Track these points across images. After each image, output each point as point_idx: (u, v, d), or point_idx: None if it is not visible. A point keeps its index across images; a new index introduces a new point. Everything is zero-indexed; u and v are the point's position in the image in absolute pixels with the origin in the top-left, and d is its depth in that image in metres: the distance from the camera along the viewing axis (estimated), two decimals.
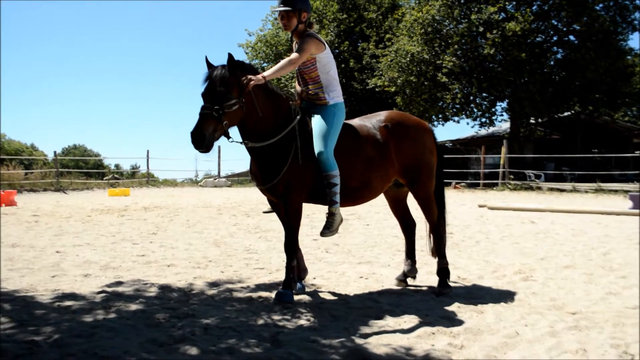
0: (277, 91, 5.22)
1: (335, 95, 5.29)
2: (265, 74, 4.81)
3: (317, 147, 4.99)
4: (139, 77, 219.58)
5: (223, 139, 4.81)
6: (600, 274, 6.25)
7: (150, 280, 5.92)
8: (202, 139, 4.54)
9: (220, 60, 4.78)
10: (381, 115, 5.59)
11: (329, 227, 5.14)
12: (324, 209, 5.17)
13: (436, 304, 5.00)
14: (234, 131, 4.96)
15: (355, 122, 5.53)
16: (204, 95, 4.71)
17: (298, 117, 5.14)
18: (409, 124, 5.58)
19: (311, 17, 5.33)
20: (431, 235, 5.83)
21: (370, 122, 5.50)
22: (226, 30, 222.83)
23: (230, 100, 4.66)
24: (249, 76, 4.69)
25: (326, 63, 5.24)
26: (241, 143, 5.02)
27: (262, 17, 50.92)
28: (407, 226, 5.94)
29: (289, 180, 4.98)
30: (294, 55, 5.03)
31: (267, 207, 5.68)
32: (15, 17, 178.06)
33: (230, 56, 4.73)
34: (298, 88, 5.55)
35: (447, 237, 5.96)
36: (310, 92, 5.33)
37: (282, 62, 4.98)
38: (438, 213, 5.74)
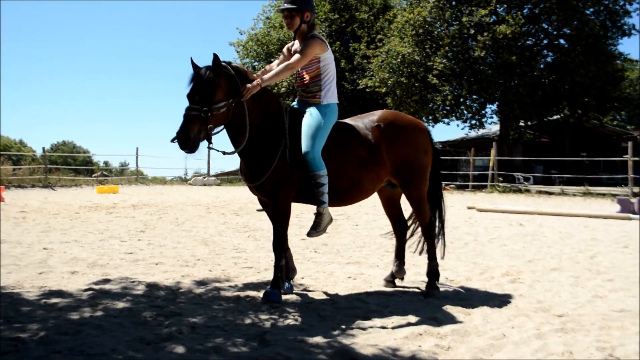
0: (267, 91, 5.22)
1: (330, 96, 5.29)
2: (261, 80, 4.82)
3: (304, 146, 4.98)
4: (129, 75, 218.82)
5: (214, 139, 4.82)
6: (587, 276, 6.28)
7: (138, 278, 5.90)
8: (187, 139, 4.54)
9: (210, 59, 4.77)
10: (374, 115, 5.57)
11: (316, 228, 5.14)
12: (314, 208, 5.17)
13: (424, 305, 5.01)
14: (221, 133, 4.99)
15: (347, 121, 5.52)
16: (189, 96, 4.70)
17: (287, 116, 5.14)
18: (402, 123, 5.56)
19: (315, 18, 5.34)
20: (422, 236, 5.83)
21: (363, 121, 5.49)
22: (218, 28, 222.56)
23: (216, 101, 4.65)
24: (247, 85, 4.73)
25: (328, 63, 5.26)
26: (221, 152, 5.02)
27: (254, 15, 50.83)
28: (400, 227, 5.93)
29: (276, 178, 4.98)
30: (294, 58, 5.03)
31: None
32: (6, 14, 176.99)
33: (215, 57, 4.72)
34: None
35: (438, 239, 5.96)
36: (307, 90, 5.32)
37: (281, 66, 5.02)
38: (436, 215, 5.76)
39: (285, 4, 5.19)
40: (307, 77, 5.29)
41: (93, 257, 7.12)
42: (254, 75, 5.23)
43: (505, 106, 27.99)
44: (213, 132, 4.75)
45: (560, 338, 4.05)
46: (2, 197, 16.06)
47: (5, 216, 11.67)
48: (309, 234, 5.18)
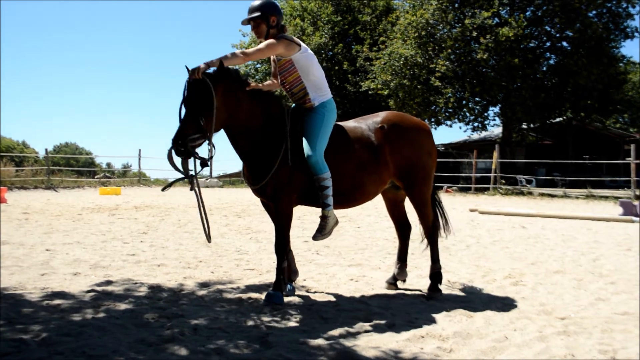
0: (267, 93, 5.21)
1: (321, 94, 5.24)
2: (217, 60, 4.67)
3: (306, 150, 4.97)
4: (132, 76, 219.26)
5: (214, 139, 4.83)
6: (589, 279, 6.27)
7: (140, 280, 5.91)
8: (183, 145, 4.59)
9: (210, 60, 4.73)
10: (379, 117, 5.54)
11: (322, 231, 5.13)
12: (317, 210, 5.17)
13: (426, 307, 5.01)
14: (222, 136, 5.00)
15: (350, 123, 5.51)
16: (184, 104, 4.71)
17: (289, 118, 5.13)
18: (406, 125, 5.53)
19: (282, 20, 5.26)
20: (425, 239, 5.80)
21: (366, 123, 5.46)
22: (220, 29, 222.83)
23: (206, 109, 4.64)
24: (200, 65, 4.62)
25: (304, 63, 5.16)
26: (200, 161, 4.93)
27: None
28: (403, 229, 5.92)
29: (278, 181, 4.98)
30: (253, 48, 4.92)
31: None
32: (7, 14, 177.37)
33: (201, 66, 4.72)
34: None
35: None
36: (295, 97, 5.29)
37: (237, 51, 4.86)
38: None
39: (249, 15, 5.14)
40: (287, 82, 5.24)
41: (95, 258, 7.13)
42: (259, 85, 5.24)
43: (508, 108, 27.96)
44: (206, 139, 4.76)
45: (563, 341, 4.04)
46: (5, 198, 16.09)
47: (8, 217, 11.69)
48: (315, 238, 5.17)
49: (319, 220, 5.18)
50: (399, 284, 5.81)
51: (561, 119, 32.02)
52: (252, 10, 5.14)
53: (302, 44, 5.19)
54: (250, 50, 4.91)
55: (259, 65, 37.46)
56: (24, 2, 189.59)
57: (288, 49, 5.04)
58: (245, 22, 5.21)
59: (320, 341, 3.92)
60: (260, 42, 5.13)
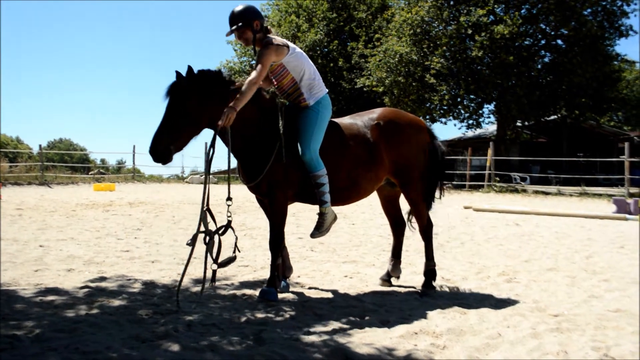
0: (258, 91, 5.16)
1: (316, 92, 5.19)
2: (235, 104, 4.71)
3: (301, 148, 4.96)
4: (127, 72, 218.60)
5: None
6: (582, 276, 6.29)
7: (134, 276, 5.90)
8: (157, 151, 4.73)
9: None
10: (374, 113, 5.53)
11: (319, 228, 5.12)
12: (311, 207, 5.17)
13: (420, 304, 5.01)
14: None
15: (346, 120, 5.49)
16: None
17: (282, 115, 5.11)
18: (403, 122, 5.51)
19: (265, 22, 5.21)
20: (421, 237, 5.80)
21: (362, 120, 5.45)
22: (216, 26, 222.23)
23: (181, 115, 4.73)
24: (225, 111, 4.66)
25: (296, 64, 5.12)
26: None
27: None
28: (398, 226, 5.92)
29: (272, 178, 4.97)
30: (253, 74, 4.87)
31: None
32: (5, 13, 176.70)
33: (187, 72, 4.75)
34: None
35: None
36: (289, 98, 5.26)
37: (245, 86, 4.81)
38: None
39: (232, 26, 5.10)
40: (282, 86, 5.21)
41: (89, 254, 7.11)
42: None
43: (503, 106, 27.99)
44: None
45: (556, 338, 4.05)
46: None
47: (2, 213, 11.65)
48: (312, 235, 5.16)
49: (314, 216, 5.18)
50: (393, 280, 5.82)
51: (556, 116, 32.02)
52: (233, 20, 5.08)
53: (290, 44, 5.14)
54: (254, 76, 4.83)
55: (253, 62, 37.34)
56: (22, 2, 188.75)
57: (278, 54, 5.00)
58: (230, 33, 5.18)
59: (314, 338, 3.92)
60: (249, 49, 5.15)
